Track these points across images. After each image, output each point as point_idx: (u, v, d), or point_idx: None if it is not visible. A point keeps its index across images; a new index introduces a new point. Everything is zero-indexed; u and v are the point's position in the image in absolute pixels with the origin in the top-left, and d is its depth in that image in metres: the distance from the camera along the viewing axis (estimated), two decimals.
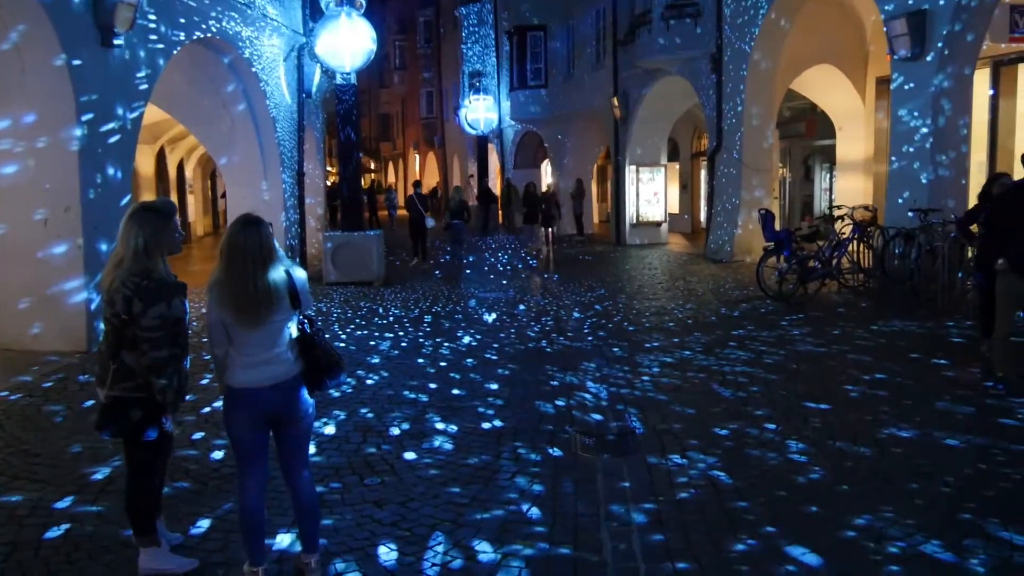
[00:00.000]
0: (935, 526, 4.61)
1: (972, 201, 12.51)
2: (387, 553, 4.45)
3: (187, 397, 4.29)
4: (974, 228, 8.89)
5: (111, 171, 9.99)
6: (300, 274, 4.06)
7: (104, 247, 9.59)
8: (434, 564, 4.31)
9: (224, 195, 27.00)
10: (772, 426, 6.51)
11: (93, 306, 9.41)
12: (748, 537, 4.56)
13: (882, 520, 4.72)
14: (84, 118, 9.39)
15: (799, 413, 6.83)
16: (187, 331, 4.23)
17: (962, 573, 4.07)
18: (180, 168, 25.88)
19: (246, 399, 3.94)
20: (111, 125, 9.97)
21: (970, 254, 11.03)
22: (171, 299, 4.07)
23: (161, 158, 22.73)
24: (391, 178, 63.70)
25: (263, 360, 3.92)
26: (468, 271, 18.19)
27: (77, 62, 9.30)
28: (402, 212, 33.18)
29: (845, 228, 13.89)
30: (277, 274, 3.90)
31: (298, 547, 4.32)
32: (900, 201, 12.88)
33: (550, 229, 21.54)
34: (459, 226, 19.15)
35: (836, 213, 14.54)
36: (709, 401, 7.28)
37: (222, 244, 3.91)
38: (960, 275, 11.09)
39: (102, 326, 4.27)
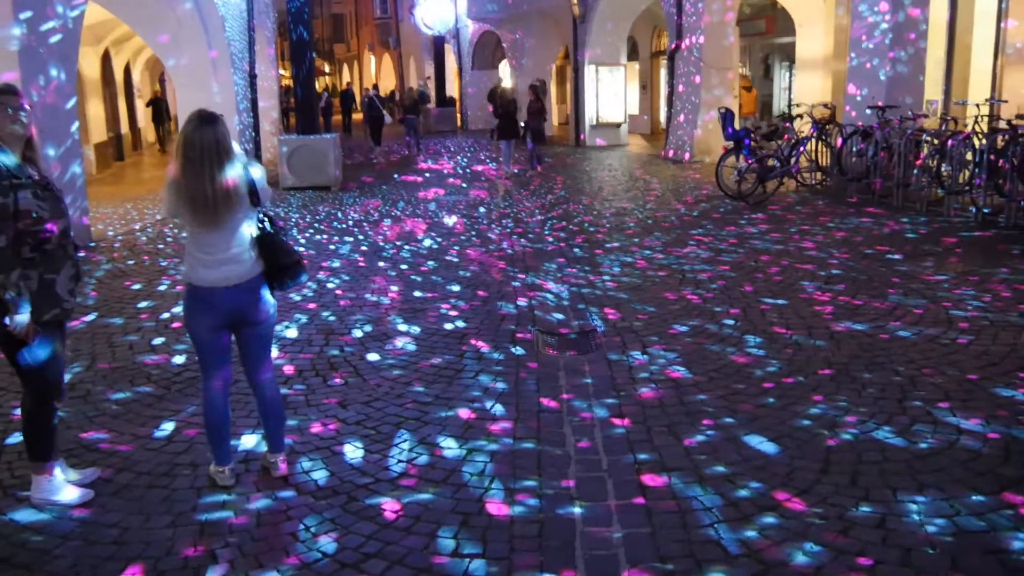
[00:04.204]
0: (886, 413, 4.76)
1: (929, 95, 12.57)
2: (353, 451, 4.50)
3: (68, 323, 4.03)
4: None
5: (54, 72, 9.61)
6: (258, 171, 3.96)
7: (52, 152, 9.30)
8: (400, 461, 4.37)
9: (150, 103, 26.11)
10: (731, 322, 6.61)
11: None
12: (707, 428, 4.67)
13: (836, 409, 4.85)
14: (22, 16, 8.97)
15: (757, 309, 6.94)
16: (67, 242, 3.89)
17: (911, 456, 4.22)
18: (127, 71, 24.99)
19: (206, 299, 3.88)
20: (51, 24, 9.54)
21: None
22: (20, 188, 3.66)
23: (107, 61, 21.89)
24: (347, 80, 62.21)
25: (222, 260, 3.85)
26: (429, 174, 17.99)
27: None
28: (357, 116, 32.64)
29: (804, 126, 13.89)
30: (235, 172, 3.80)
31: (264, 447, 4.35)
32: (859, 99, 12.88)
33: (537, 145, 18.53)
34: (412, 119, 23.59)
35: (795, 111, 14.52)
36: (669, 299, 7.36)
37: (177, 142, 3.79)
38: (915, 172, 11.19)
39: None
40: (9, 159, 3.72)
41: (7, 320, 3.65)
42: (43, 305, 3.76)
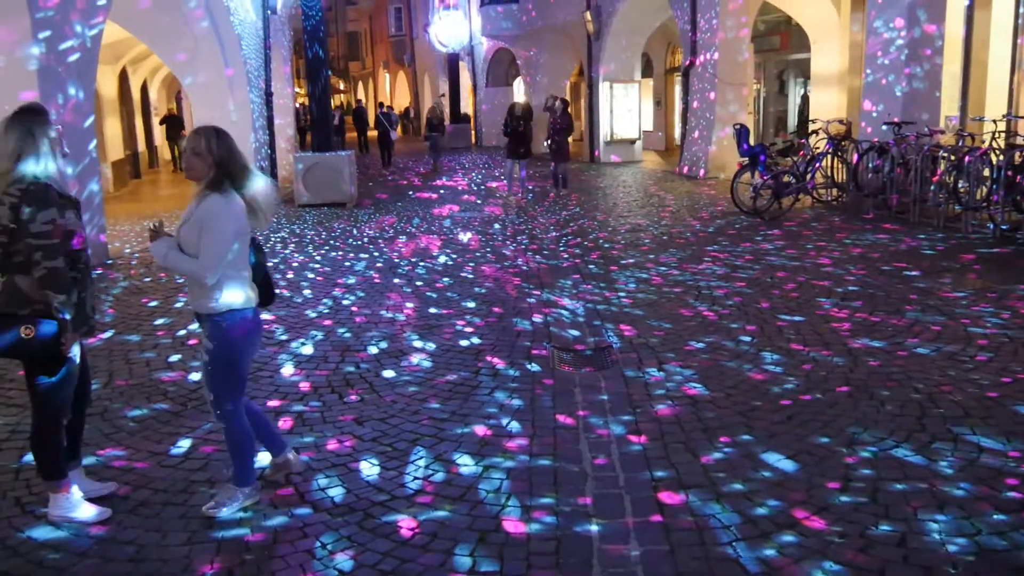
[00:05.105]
0: (905, 431, 4.72)
1: (945, 111, 12.53)
2: (369, 468, 4.49)
3: (93, 338, 4.09)
4: None
5: (72, 91, 9.70)
6: None
7: (70, 170, 9.37)
8: (416, 478, 4.36)
9: (163, 122, 26.20)
10: (747, 338, 6.58)
11: None
12: (725, 445, 4.64)
13: (854, 426, 4.81)
14: (41, 36, 9.06)
15: (773, 325, 6.90)
16: (87, 258, 3.93)
17: (931, 474, 4.18)
18: (144, 90, 25.22)
19: (256, 319, 3.94)
20: (69, 43, 9.64)
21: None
22: (64, 209, 3.73)
23: (124, 79, 22.10)
24: (360, 97, 62.67)
25: (248, 274, 3.93)
26: (444, 191, 18.04)
27: None
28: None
29: (819, 142, 13.87)
30: None
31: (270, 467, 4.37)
32: (874, 115, 12.85)
33: (560, 165, 17.06)
34: (436, 137, 23.48)
35: (810, 128, 14.50)
36: (685, 315, 7.34)
37: (216, 151, 3.75)
38: (932, 188, 11.14)
39: None
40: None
41: (62, 337, 3.71)
42: (79, 323, 3.82)
